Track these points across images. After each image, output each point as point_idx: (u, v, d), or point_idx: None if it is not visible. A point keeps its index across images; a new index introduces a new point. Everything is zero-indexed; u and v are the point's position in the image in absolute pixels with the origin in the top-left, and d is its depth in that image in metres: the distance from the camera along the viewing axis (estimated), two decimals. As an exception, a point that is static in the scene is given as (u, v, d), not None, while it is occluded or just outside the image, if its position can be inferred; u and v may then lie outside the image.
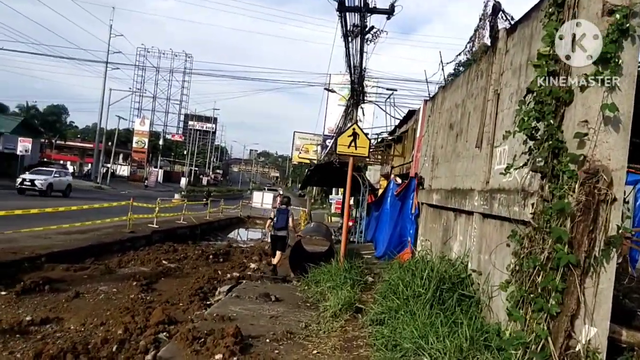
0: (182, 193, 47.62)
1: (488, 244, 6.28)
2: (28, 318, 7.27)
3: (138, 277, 10.62)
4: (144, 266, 12.36)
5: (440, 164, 10.15)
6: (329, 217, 37.51)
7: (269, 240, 11.94)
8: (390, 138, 21.74)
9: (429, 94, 12.95)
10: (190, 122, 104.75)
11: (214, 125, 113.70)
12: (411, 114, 17.08)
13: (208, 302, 9.01)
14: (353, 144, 10.40)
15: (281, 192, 55.01)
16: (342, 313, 7.49)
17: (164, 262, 13.06)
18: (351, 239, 19.02)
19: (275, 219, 11.28)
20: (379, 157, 24.18)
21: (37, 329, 7.07)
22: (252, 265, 13.17)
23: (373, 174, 29.65)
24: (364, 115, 26.86)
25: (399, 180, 14.96)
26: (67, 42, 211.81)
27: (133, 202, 17.11)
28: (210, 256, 14.93)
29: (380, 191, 20.20)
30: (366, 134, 11.12)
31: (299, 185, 50.31)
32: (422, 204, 11.16)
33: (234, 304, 8.12)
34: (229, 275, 11.56)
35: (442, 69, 10.21)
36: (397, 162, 19.73)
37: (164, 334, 6.55)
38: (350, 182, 10.81)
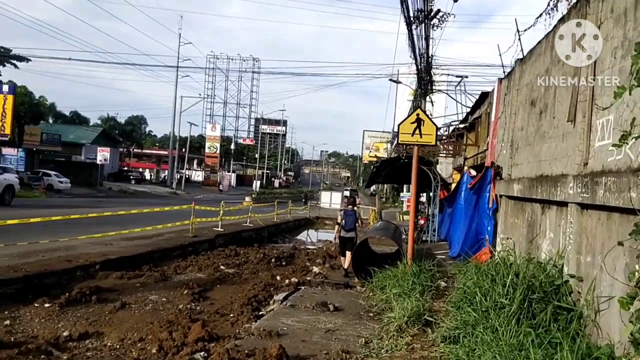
0: (253, 195, 47.93)
1: (591, 242, 4.94)
2: (65, 333, 6.72)
3: (192, 284, 9.99)
4: (201, 272, 11.75)
5: (520, 148, 8.74)
6: (401, 216, 36.19)
7: (338, 242, 11.48)
8: (462, 126, 20.10)
9: (504, 72, 11.43)
10: (262, 126, 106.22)
11: (283, 128, 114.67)
12: (484, 97, 15.46)
13: (260, 313, 8.15)
14: (417, 131, 9.18)
15: (357, 192, 54.22)
16: (409, 326, 6.38)
17: (222, 267, 12.41)
18: (424, 238, 17.79)
19: (342, 221, 10.97)
20: (451, 148, 22.55)
21: (74, 345, 6.51)
22: (315, 269, 12.24)
23: (445, 168, 27.97)
24: (432, 106, 25.31)
25: (473, 173, 13.55)
26: (140, 52, 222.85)
27: (195, 205, 16.67)
28: (273, 260, 14.17)
29: (453, 186, 18.73)
30: (434, 122, 9.82)
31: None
32: (501, 196, 9.77)
33: (287, 315, 7.24)
34: (287, 281, 10.70)
35: (519, 39, 8.73)
36: (470, 153, 18.15)
37: (202, 353, 5.70)
38: (415, 174, 9.61)
